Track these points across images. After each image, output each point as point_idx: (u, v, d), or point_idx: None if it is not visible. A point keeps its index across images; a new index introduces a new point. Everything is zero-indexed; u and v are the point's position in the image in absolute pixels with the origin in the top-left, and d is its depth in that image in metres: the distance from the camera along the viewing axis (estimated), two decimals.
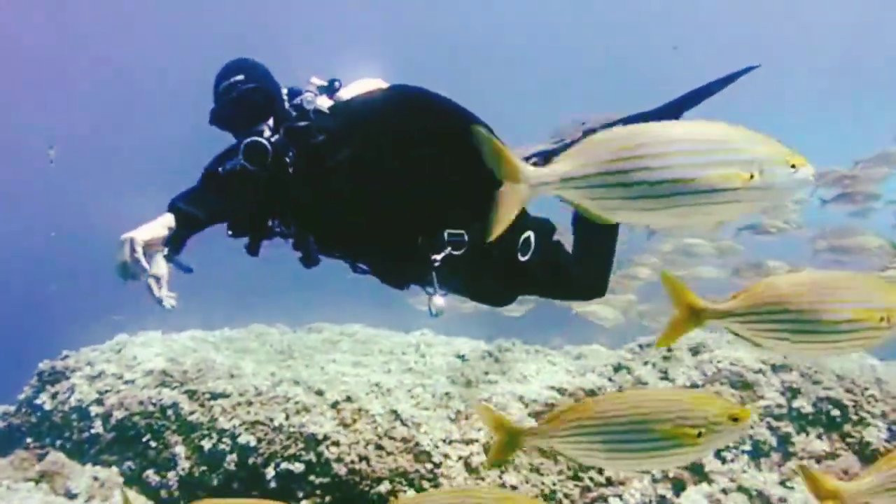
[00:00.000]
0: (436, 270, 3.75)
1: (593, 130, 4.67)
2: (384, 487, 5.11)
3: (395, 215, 3.68)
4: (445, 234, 3.68)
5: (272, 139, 3.50)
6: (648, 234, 9.51)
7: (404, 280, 3.95)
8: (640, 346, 6.44)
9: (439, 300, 3.77)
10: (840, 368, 5.56)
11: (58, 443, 5.75)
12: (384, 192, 3.60)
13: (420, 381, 6.07)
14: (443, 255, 3.69)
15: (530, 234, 3.89)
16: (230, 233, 3.74)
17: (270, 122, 3.55)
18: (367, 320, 8.37)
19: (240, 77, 3.58)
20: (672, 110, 4.37)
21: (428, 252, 3.70)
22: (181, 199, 3.45)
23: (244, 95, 3.54)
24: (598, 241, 4.26)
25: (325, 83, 3.68)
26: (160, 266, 3.44)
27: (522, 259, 3.85)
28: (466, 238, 3.70)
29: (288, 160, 3.51)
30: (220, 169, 3.56)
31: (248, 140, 3.47)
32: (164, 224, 3.25)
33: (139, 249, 3.06)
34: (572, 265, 4.19)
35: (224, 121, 3.60)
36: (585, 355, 7.05)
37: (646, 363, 6.06)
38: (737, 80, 4.21)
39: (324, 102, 3.65)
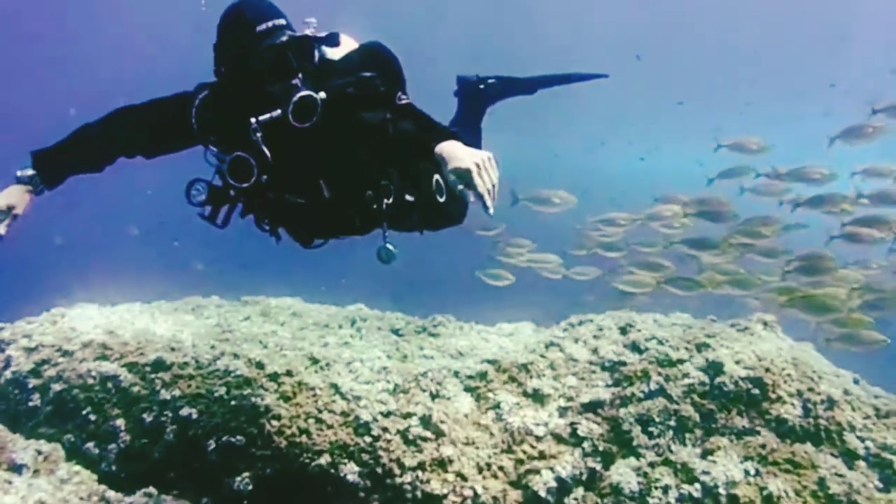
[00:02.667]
0: (387, 220, 3.89)
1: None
2: (324, 460, 5.23)
3: (365, 172, 3.80)
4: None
5: (319, 96, 3.42)
6: None
7: (341, 235, 4.09)
8: (571, 325, 6.66)
9: (390, 247, 3.93)
10: (760, 350, 5.86)
11: None
12: (363, 151, 3.69)
13: (357, 355, 6.18)
14: (385, 204, 3.84)
15: (437, 177, 4.11)
16: (202, 199, 3.68)
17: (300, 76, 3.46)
18: (301, 293, 8.43)
19: (282, 21, 3.44)
20: (531, 85, 4.90)
21: (375, 203, 3.81)
22: None
23: (296, 43, 3.43)
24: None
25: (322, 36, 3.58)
26: (23, 198, 3.34)
27: (441, 200, 4.10)
28: (392, 188, 3.86)
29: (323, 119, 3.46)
30: (254, 119, 3.41)
31: (304, 94, 3.38)
32: None
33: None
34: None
35: (258, 67, 3.40)
36: (518, 331, 7.25)
37: (577, 340, 6.27)
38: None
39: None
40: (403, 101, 3.53)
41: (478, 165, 2.84)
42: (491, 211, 2.85)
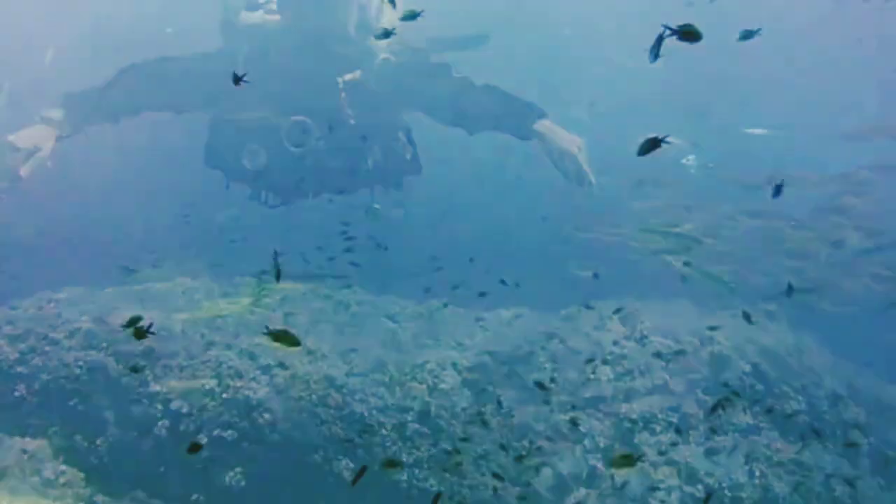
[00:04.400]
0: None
1: None
2: (318, 456, 5.12)
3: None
4: None
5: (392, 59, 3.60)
6: None
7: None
8: (572, 315, 6.51)
9: (377, 206, 4.03)
10: (765, 343, 5.74)
11: None
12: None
13: (353, 344, 6.03)
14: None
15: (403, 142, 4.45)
16: (257, 161, 3.69)
17: None
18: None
19: None
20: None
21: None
22: None
23: (377, 5, 3.63)
24: None
25: None
26: (49, 141, 3.10)
27: (408, 157, 4.44)
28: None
29: None
30: (340, 79, 3.56)
31: (386, 56, 3.58)
32: None
33: None
34: None
35: (343, 27, 3.58)
36: (518, 319, 7.11)
37: (578, 332, 6.12)
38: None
39: None
40: (460, 75, 3.74)
41: (578, 147, 3.35)
42: (594, 181, 3.43)
